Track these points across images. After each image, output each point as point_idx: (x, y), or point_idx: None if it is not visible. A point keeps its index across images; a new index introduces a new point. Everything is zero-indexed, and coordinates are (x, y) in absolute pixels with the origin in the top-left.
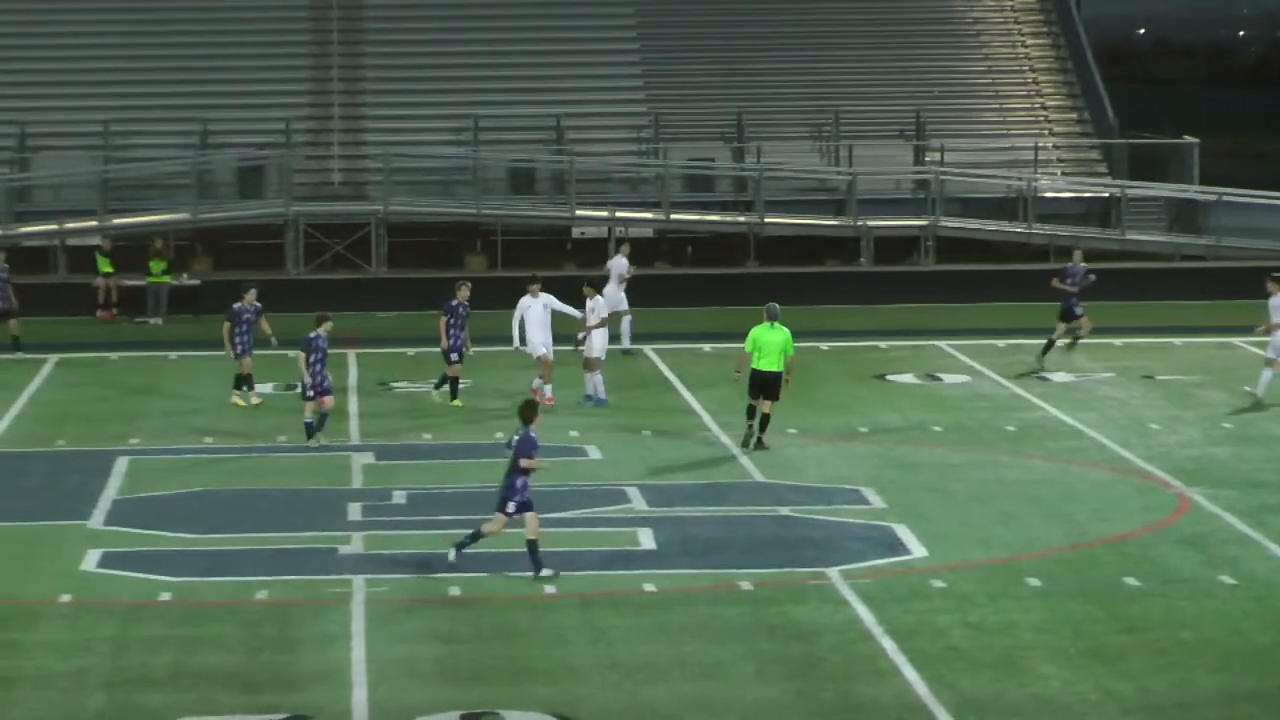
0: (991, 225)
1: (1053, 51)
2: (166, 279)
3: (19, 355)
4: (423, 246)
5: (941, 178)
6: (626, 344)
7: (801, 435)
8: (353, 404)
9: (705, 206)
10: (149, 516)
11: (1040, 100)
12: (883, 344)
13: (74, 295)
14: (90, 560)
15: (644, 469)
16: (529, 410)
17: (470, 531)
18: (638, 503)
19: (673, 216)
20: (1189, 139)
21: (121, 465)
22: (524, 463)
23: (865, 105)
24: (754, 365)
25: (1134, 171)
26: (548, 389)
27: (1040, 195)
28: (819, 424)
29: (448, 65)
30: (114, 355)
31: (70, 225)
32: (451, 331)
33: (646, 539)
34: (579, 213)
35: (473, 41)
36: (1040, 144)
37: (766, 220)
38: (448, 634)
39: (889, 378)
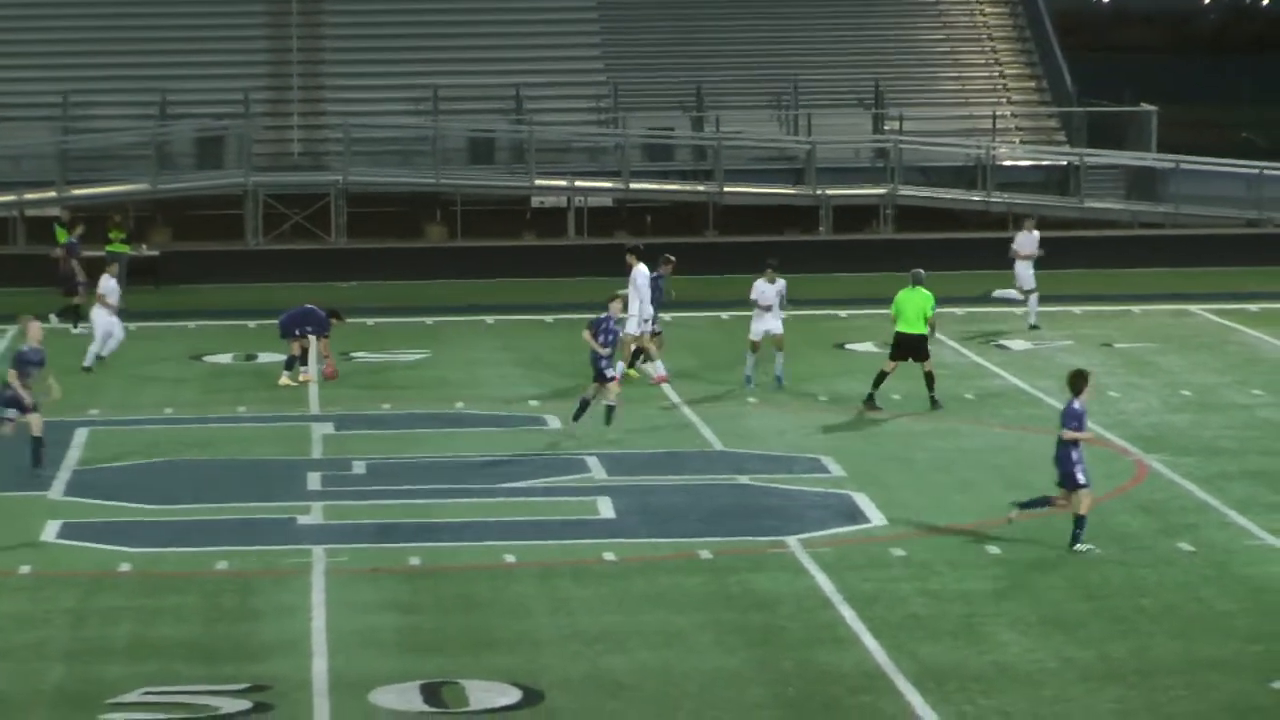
0: (950, 194)
1: (1011, 20)
2: (125, 249)
3: (81, 329)
4: (382, 217)
5: (900, 146)
6: (1032, 320)
7: (761, 404)
8: (313, 374)
9: (664, 176)
10: (109, 487)
11: (999, 68)
12: (842, 313)
13: (33, 266)
14: (50, 531)
15: (603, 438)
16: (1077, 381)
17: (1034, 498)
18: (597, 472)
19: (632, 186)
20: (1147, 107)
21: (81, 436)
22: (1064, 435)
23: (824, 74)
24: (896, 328)
25: (1092, 139)
26: (619, 367)
27: (999, 163)
28: (779, 392)
29: (407, 35)
30: (73, 327)
31: (29, 196)
32: (656, 299)
33: (606, 508)
34: (538, 182)
35: (432, 11)
36: (999, 112)
37: (726, 189)
38: (408, 604)
39: (848, 346)
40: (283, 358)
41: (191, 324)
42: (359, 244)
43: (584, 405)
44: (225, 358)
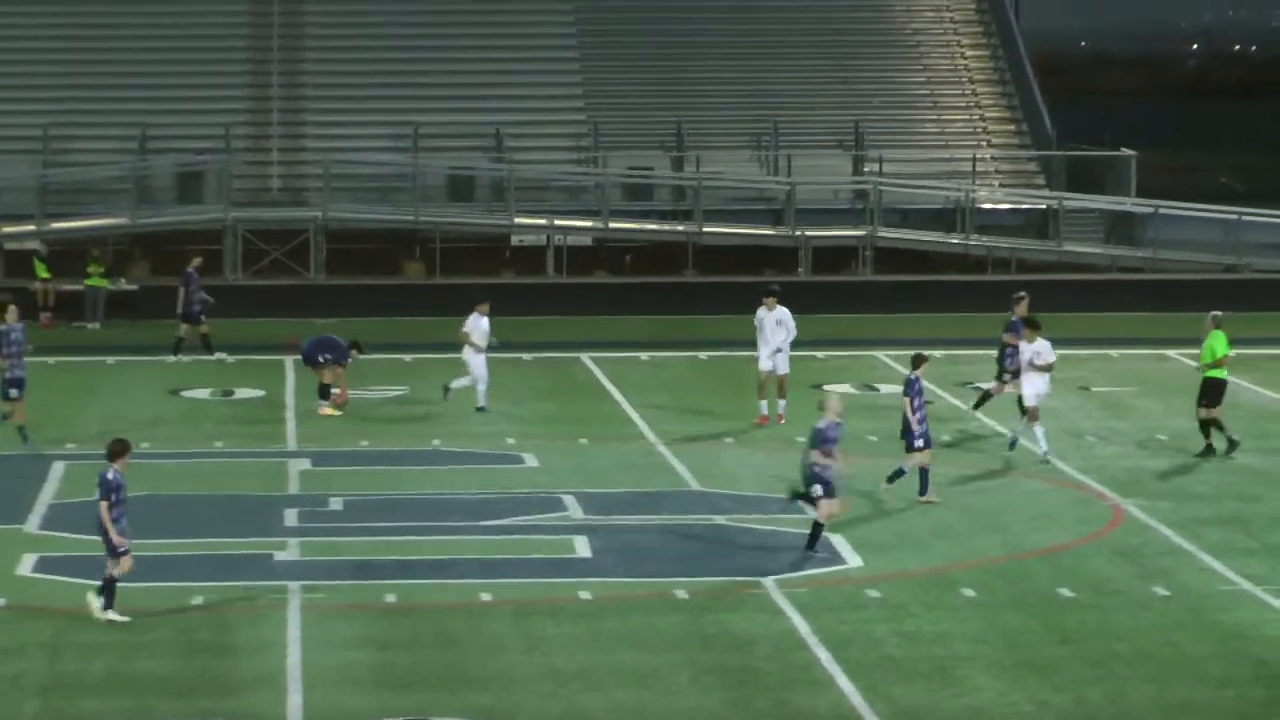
0: (929, 236)
1: (992, 63)
2: (104, 284)
3: (219, 357)
4: (361, 253)
5: (880, 188)
6: None
7: (738, 444)
8: (290, 410)
9: (644, 215)
10: (86, 521)
11: (979, 112)
12: (820, 354)
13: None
14: (26, 565)
15: (581, 477)
16: None
17: None
18: (574, 510)
19: (612, 225)
20: (1127, 151)
21: (58, 470)
22: None
23: (804, 115)
24: (1212, 374)
25: (1071, 183)
26: (762, 405)
27: (978, 206)
28: (755, 432)
29: (387, 72)
30: (51, 360)
31: (8, 229)
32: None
33: (582, 547)
34: (518, 220)
35: (413, 49)
36: (978, 155)
37: (705, 229)
38: (383, 640)
39: (826, 387)
40: (261, 393)
41: (169, 359)
42: (338, 280)
43: (900, 473)
44: (203, 393)
